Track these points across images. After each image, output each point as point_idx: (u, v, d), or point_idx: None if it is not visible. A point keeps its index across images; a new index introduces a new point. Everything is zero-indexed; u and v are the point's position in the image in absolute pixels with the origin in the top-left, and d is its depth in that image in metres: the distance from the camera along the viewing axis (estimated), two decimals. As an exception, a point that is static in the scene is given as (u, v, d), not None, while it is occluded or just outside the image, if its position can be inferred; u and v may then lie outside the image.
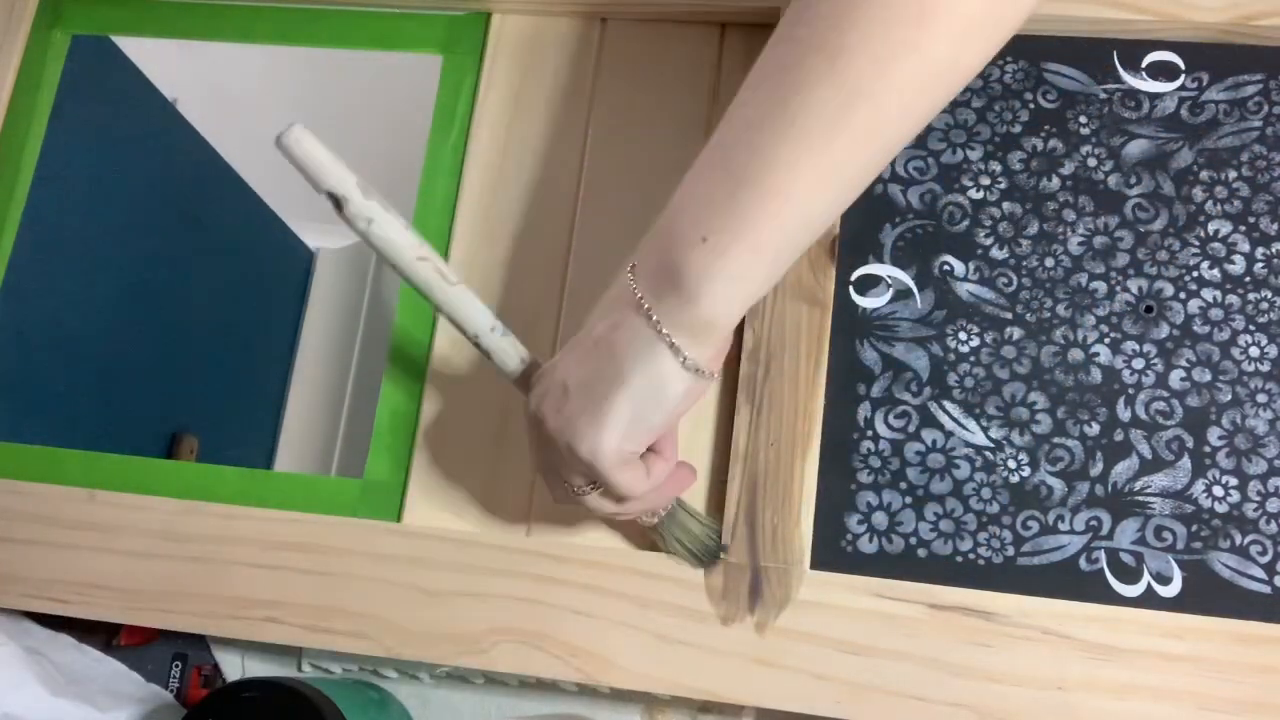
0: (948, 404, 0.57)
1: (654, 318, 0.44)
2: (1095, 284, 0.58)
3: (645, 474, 0.48)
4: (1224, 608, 0.53)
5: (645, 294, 0.44)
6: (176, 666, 0.64)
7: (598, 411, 0.45)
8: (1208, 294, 0.58)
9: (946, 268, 0.59)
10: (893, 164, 0.61)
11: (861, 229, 0.60)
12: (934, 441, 0.57)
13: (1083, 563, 0.55)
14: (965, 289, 0.59)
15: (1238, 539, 0.54)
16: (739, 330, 0.60)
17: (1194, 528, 0.54)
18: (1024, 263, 0.59)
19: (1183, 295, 0.58)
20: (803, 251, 0.45)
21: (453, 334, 0.62)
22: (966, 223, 0.60)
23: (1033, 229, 0.59)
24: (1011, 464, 0.56)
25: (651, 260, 0.45)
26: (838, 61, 0.40)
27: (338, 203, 0.47)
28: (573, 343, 0.48)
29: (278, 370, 1.29)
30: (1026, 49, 0.62)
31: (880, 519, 0.56)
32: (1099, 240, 0.59)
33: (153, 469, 0.64)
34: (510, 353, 0.51)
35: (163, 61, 0.95)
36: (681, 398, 0.46)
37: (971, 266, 0.59)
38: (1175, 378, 0.57)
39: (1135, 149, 0.60)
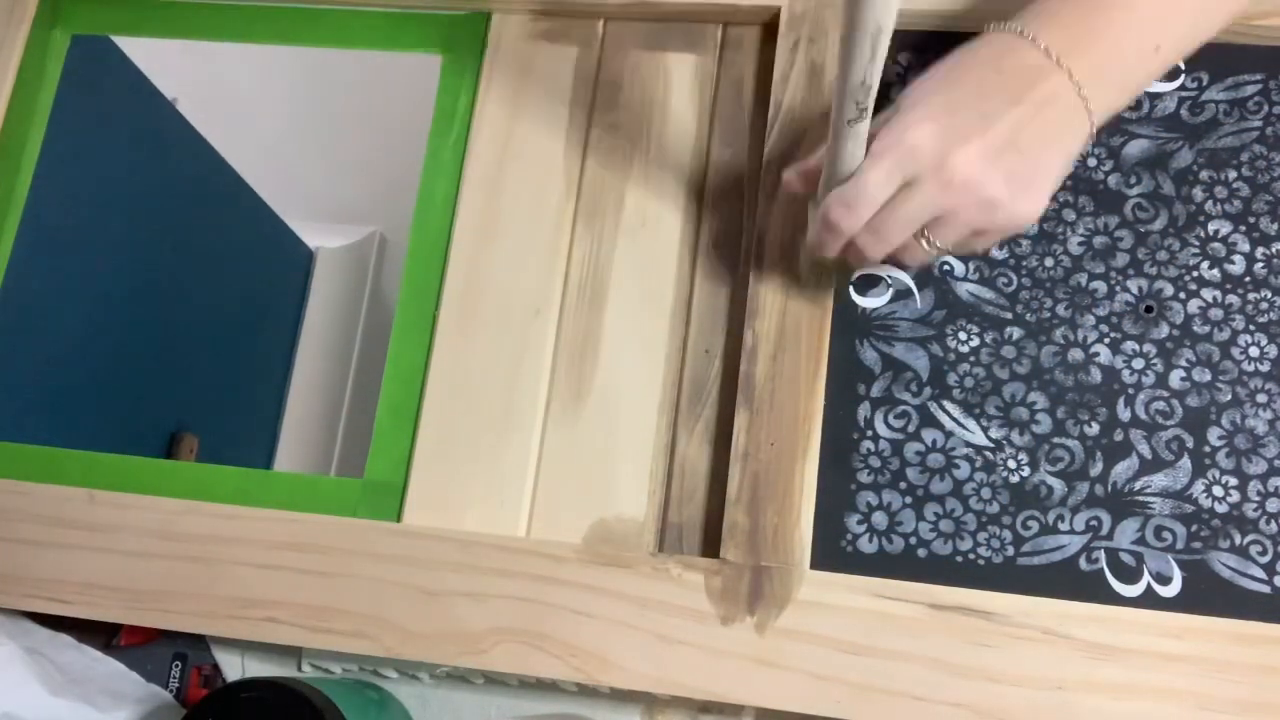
0: (948, 404, 0.57)
1: (1079, 85, 0.48)
2: (1095, 284, 0.58)
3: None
4: (1224, 608, 0.53)
5: (1063, 59, 0.48)
6: (176, 666, 0.64)
7: (1038, 175, 0.48)
8: (1208, 294, 0.58)
9: (946, 267, 0.59)
10: (893, 164, 0.61)
11: (861, 229, 0.60)
12: (934, 441, 0.57)
13: (1083, 563, 0.55)
14: (965, 289, 0.59)
15: (1238, 539, 0.54)
16: (739, 330, 0.60)
17: (1194, 528, 0.54)
18: (1024, 262, 0.59)
19: (1183, 295, 0.58)
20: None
21: (454, 334, 0.62)
22: (966, 223, 0.60)
23: (1032, 229, 0.59)
24: (1011, 464, 0.56)
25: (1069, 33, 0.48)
26: None
27: None
28: (978, 96, 0.48)
29: (278, 370, 1.29)
30: (1026, 49, 0.62)
31: (880, 519, 0.56)
32: (1099, 240, 0.59)
33: (152, 469, 0.64)
34: (860, 152, 0.48)
35: (163, 61, 0.95)
36: (1072, 153, 0.49)
37: (971, 266, 0.59)
38: (1175, 378, 0.57)
39: (1135, 149, 0.60)
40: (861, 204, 0.48)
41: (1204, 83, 0.60)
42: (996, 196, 0.47)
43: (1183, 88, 0.61)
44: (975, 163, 0.47)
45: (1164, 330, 0.57)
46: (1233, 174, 0.59)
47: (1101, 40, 0.49)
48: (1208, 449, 0.55)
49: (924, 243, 0.50)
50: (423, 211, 0.65)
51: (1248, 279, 0.58)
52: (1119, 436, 0.56)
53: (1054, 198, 0.60)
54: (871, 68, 0.43)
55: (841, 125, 0.46)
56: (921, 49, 0.62)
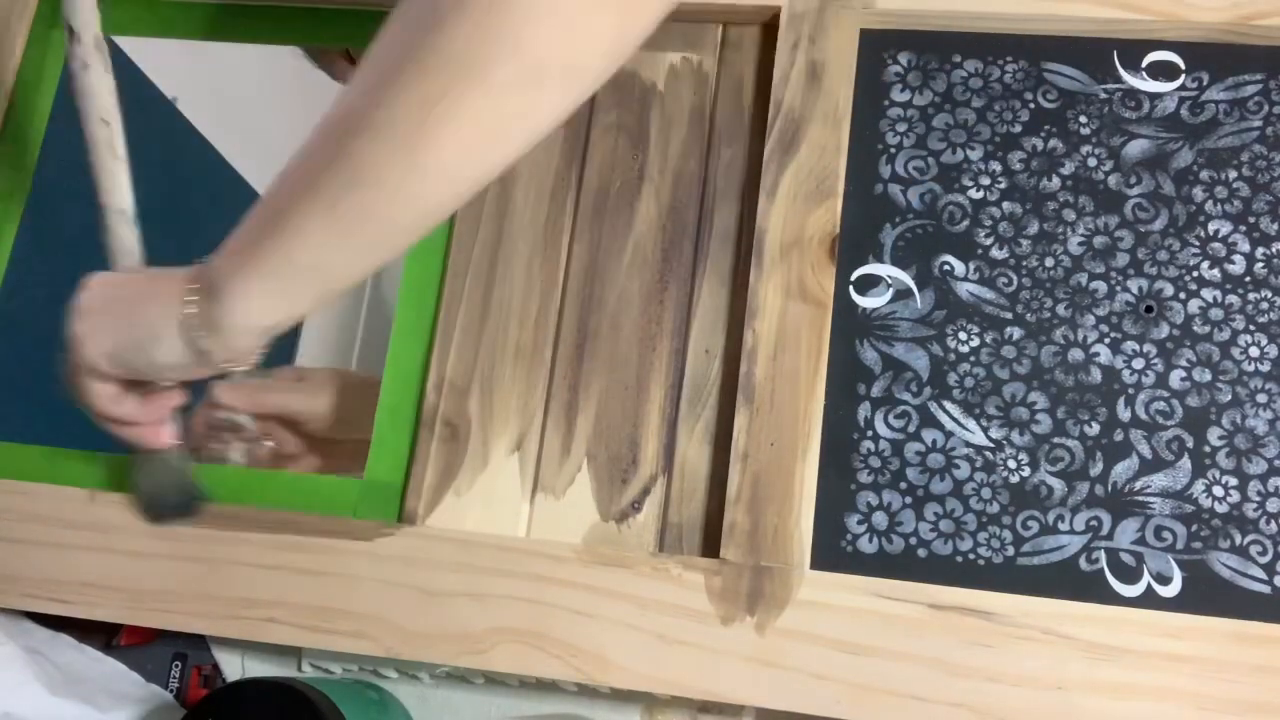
0: (948, 404, 0.57)
1: (186, 291, 0.51)
2: (1095, 284, 0.58)
3: (116, 398, 0.56)
4: (1224, 608, 0.53)
5: (192, 279, 0.51)
6: (176, 666, 0.64)
7: (103, 329, 0.54)
8: (1208, 294, 0.58)
9: (946, 268, 0.59)
10: (892, 164, 0.61)
11: (861, 229, 0.60)
12: (934, 441, 0.57)
13: (1083, 563, 0.55)
14: (965, 289, 0.59)
15: (1238, 539, 0.54)
16: (739, 330, 0.60)
17: (1194, 528, 0.54)
18: (1024, 263, 0.59)
19: (1183, 295, 0.58)
20: (329, 291, 0.50)
21: (454, 334, 0.62)
22: (966, 223, 0.60)
23: (1033, 229, 0.59)
24: (1011, 464, 0.56)
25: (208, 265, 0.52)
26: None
27: (72, 35, 0.57)
28: (125, 270, 0.58)
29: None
30: (1027, 49, 0.62)
31: (880, 519, 0.56)
32: (1099, 240, 0.59)
33: (153, 469, 0.64)
34: (128, 244, 0.59)
35: (163, 61, 0.95)
36: (171, 362, 0.52)
37: (971, 266, 0.59)
38: (1175, 378, 0.57)
39: (1135, 149, 0.60)
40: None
41: (1204, 83, 0.60)
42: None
43: (1183, 88, 0.61)
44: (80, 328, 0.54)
45: (1164, 330, 0.57)
46: (1233, 174, 0.59)
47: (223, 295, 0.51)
48: (1208, 449, 0.55)
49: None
50: (423, 211, 0.65)
51: (1248, 279, 0.58)
52: (1119, 436, 0.56)
53: (1054, 197, 0.60)
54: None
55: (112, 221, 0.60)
56: (920, 49, 0.62)
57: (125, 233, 0.59)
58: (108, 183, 0.58)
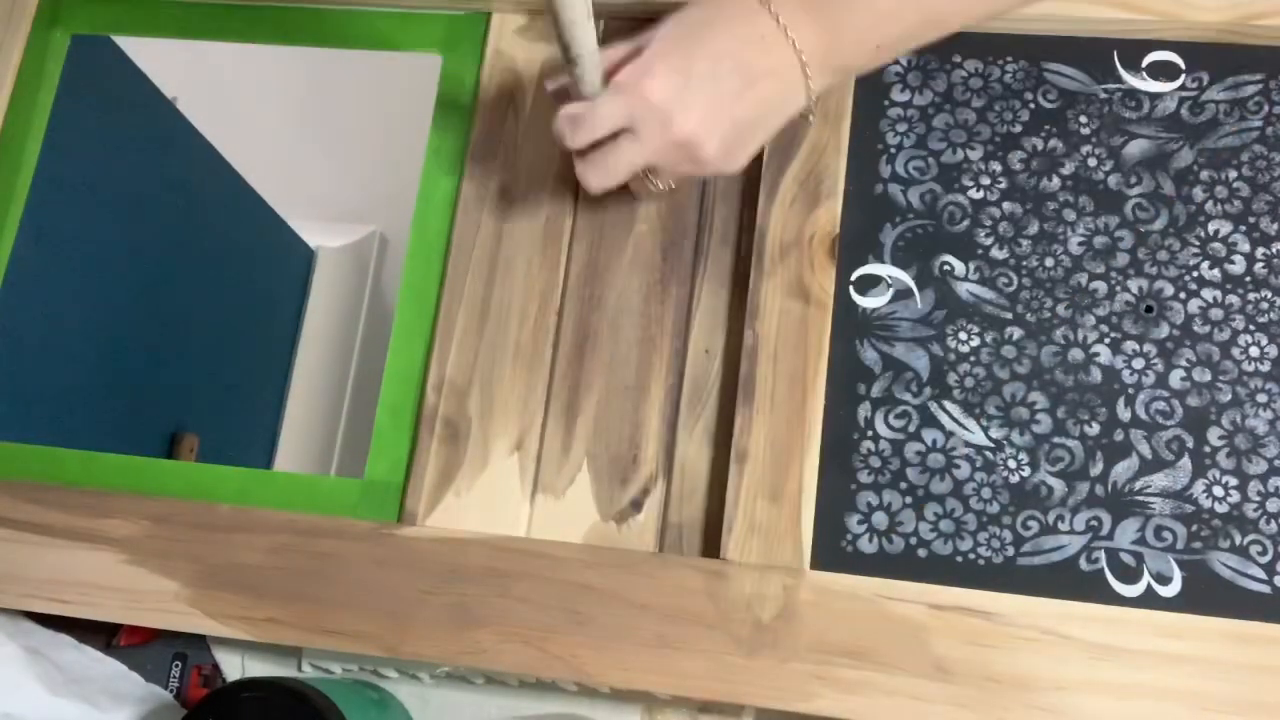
0: (948, 404, 0.57)
1: (805, 65, 0.52)
2: (1095, 284, 0.58)
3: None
4: (1224, 608, 0.53)
5: (797, 39, 0.52)
6: (176, 666, 0.64)
7: (748, 144, 0.54)
8: (1208, 294, 0.58)
9: (946, 268, 0.59)
10: (893, 164, 0.61)
11: (861, 229, 0.60)
12: (934, 441, 0.57)
13: (1083, 563, 0.55)
14: (965, 289, 0.59)
15: (1238, 539, 0.54)
16: (739, 330, 0.60)
17: (1194, 528, 0.54)
18: (1024, 263, 0.59)
19: (1183, 295, 0.58)
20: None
21: (454, 334, 0.62)
22: (966, 223, 0.60)
23: (1033, 229, 0.59)
24: (1011, 464, 0.56)
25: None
26: None
27: None
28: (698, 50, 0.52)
29: (278, 370, 1.29)
30: (1027, 49, 0.62)
31: (880, 519, 0.56)
32: (1099, 240, 0.59)
33: (153, 469, 0.64)
34: (597, 79, 0.53)
35: (163, 61, 0.95)
36: (783, 122, 0.55)
37: (971, 266, 0.59)
38: (1175, 378, 0.57)
39: (1135, 149, 0.60)
40: (583, 129, 0.53)
41: (1204, 83, 0.60)
42: (707, 157, 0.53)
43: (1183, 88, 0.61)
44: (696, 128, 0.52)
45: (1164, 330, 0.57)
46: (1233, 174, 0.59)
47: (837, 29, 0.53)
48: (1208, 449, 0.55)
49: (647, 182, 0.58)
50: (423, 211, 0.65)
51: (1248, 279, 0.58)
52: (1119, 436, 0.56)
53: (1054, 197, 0.60)
54: (570, 36, 0.50)
55: (563, 65, 0.52)
56: (920, 49, 0.62)
57: (594, 71, 0.53)
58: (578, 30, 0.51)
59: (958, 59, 0.62)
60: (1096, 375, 0.57)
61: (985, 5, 0.57)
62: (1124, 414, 0.56)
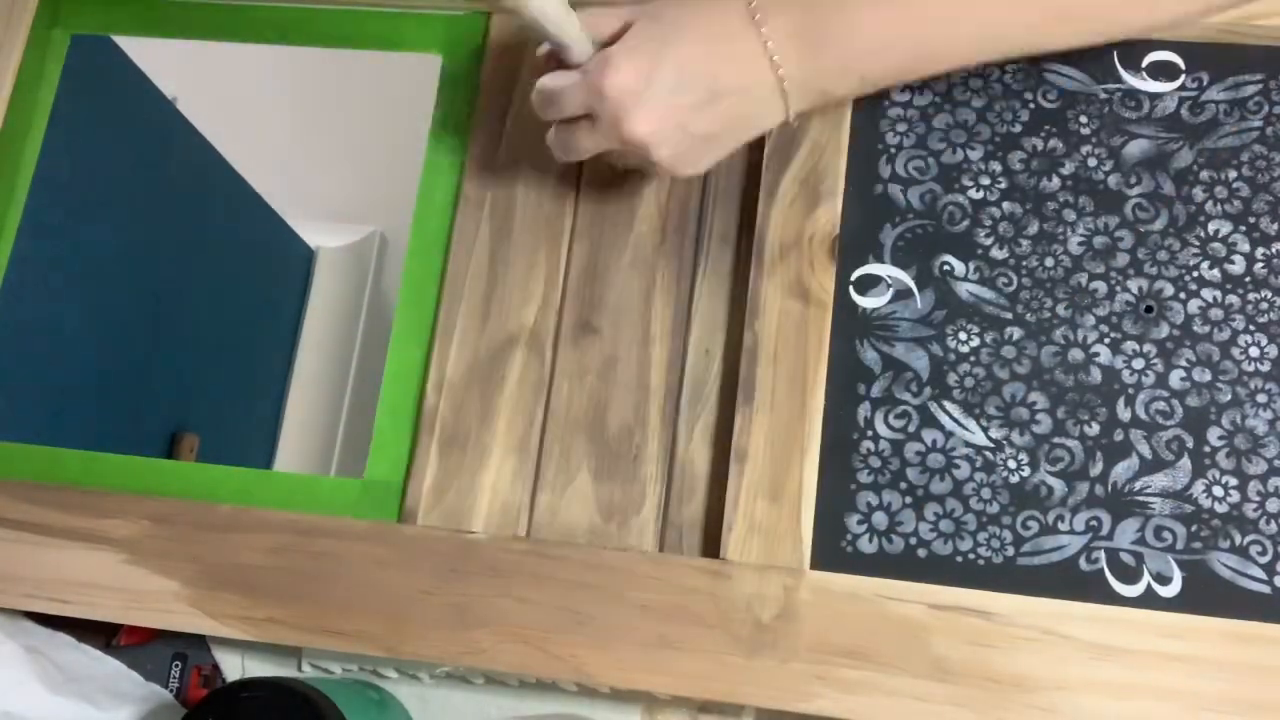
0: (948, 404, 0.57)
1: (783, 81, 0.51)
2: (1095, 284, 0.58)
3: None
4: (1224, 608, 0.53)
5: (781, 60, 0.51)
6: (176, 666, 0.64)
7: (704, 156, 0.54)
8: (1208, 294, 0.58)
9: (946, 268, 0.59)
10: (892, 164, 0.61)
11: (861, 229, 0.60)
12: (934, 441, 0.57)
13: (1083, 563, 0.55)
14: (965, 289, 0.59)
15: (1238, 539, 0.54)
16: (739, 330, 0.60)
17: (1194, 528, 0.54)
18: (1024, 263, 0.59)
19: (1183, 295, 0.58)
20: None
21: (454, 334, 0.62)
22: (966, 223, 0.60)
23: (1033, 229, 0.59)
24: (1011, 464, 0.56)
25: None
26: None
27: None
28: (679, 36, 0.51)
29: (278, 370, 1.29)
30: (1026, 49, 0.62)
31: (880, 519, 0.56)
32: (1099, 240, 0.59)
33: (153, 469, 0.64)
34: (587, 49, 0.53)
35: (163, 61, 0.95)
36: (753, 136, 0.54)
37: (971, 266, 0.59)
38: (1175, 378, 0.57)
39: (1135, 149, 0.60)
40: (551, 107, 0.54)
41: (1204, 83, 0.60)
42: (659, 161, 0.53)
43: (1183, 88, 0.61)
44: (646, 135, 0.51)
45: (1164, 330, 0.57)
46: (1233, 174, 0.59)
47: (823, 55, 0.52)
48: (1208, 449, 0.55)
49: (615, 163, 0.59)
50: (423, 211, 0.65)
51: (1248, 279, 0.58)
52: (1119, 436, 0.56)
53: (1054, 197, 0.60)
54: (548, 35, 0.51)
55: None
56: None
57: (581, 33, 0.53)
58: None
59: (958, 59, 0.62)
60: (1096, 375, 0.57)
61: (980, 49, 0.54)
62: (1124, 414, 0.56)
